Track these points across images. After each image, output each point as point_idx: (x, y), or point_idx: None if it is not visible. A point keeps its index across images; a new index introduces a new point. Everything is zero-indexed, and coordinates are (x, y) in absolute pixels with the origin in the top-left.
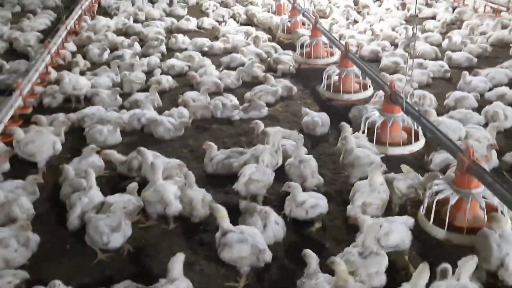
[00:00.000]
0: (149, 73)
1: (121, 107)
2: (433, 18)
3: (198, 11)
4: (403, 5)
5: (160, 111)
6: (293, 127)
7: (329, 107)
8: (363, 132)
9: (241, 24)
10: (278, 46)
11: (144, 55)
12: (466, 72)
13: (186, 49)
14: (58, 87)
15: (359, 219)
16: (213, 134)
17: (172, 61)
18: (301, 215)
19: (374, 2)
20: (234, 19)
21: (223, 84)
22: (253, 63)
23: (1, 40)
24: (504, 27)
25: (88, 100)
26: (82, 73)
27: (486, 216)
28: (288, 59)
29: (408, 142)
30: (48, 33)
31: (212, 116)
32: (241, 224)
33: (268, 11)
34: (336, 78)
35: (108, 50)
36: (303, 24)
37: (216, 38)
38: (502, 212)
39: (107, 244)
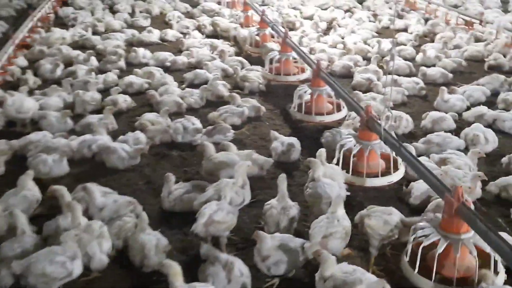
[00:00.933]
0: (106, 91)
1: (72, 131)
2: (405, 30)
3: (161, 22)
4: (375, 16)
5: (115, 135)
6: (261, 152)
7: (300, 129)
8: (338, 161)
9: (207, 36)
10: (245, 61)
11: (101, 71)
12: (444, 89)
13: (147, 64)
14: (0, 110)
15: (322, 255)
16: (172, 162)
17: (130, 78)
18: (264, 270)
19: (345, 12)
20: (200, 31)
21: (185, 103)
22: (216, 80)
23: None
24: (477, 40)
25: (35, 124)
26: (31, 91)
27: (477, 264)
28: (256, 75)
29: (387, 172)
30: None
31: (172, 141)
32: (201, 275)
33: (235, 23)
34: (308, 97)
35: (62, 66)
36: (272, 37)
37: (180, 51)
38: (495, 259)
39: None
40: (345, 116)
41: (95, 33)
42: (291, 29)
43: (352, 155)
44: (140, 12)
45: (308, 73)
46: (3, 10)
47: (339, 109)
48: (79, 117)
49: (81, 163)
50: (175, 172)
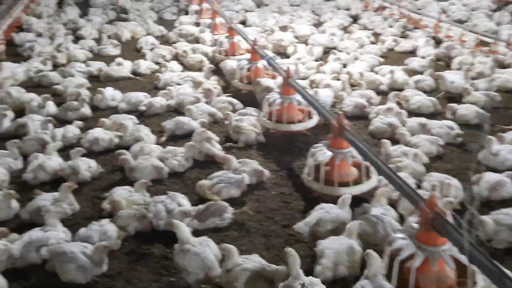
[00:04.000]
0: (64, 150)
1: (17, 222)
2: (412, 52)
3: (133, 50)
4: (375, 36)
5: (75, 227)
6: (272, 243)
7: (317, 200)
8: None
9: (186, 68)
10: (236, 101)
11: (59, 119)
12: (492, 138)
13: (116, 109)
14: None
15: None
16: (152, 265)
17: (96, 132)
18: None
19: (344, 33)
20: (178, 61)
21: (166, 167)
22: (203, 134)
23: None
24: (500, 65)
25: None
26: None
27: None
28: (251, 124)
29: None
30: None
31: (153, 229)
32: None
33: (219, 52)
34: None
35: (11, 115)
36: (266, 69)
37: (156, 88)
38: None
39: None
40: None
41: (55, 65)
42: (281, 53)
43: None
44: (109, 37)
45: (315, 120)
46: None
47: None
48: (26, 199)
49: (28, 275)
50: (158, 280)
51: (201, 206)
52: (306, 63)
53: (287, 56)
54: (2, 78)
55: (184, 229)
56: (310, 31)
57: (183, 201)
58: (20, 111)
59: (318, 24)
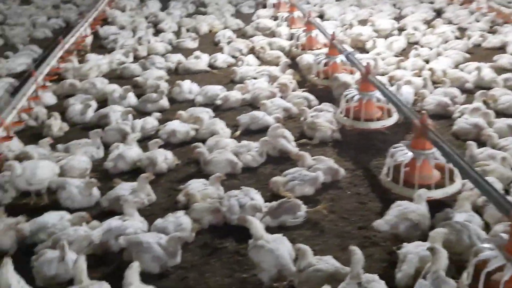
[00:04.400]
0: (143, 141)
1: (98, 209)
2: (501, 48)
3: (210, 43)
4: (461, 31)
5: (151, 218)
6: (348, 242)
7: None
8: None
9: (263, 62)
10: (311, 97)
11: (138, 111)
12: None
13: (193, 102)
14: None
15: None
16: (225, 260)
17: (173, 124)
18: None
19: (427, 28)
20: (255, 55)
21: (240, 162)
22: (278, 129)
23: None
24: None
25: (55, 193)
26: (55, 143)
27: None
28: (328, 120)
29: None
30: (27, 78)
31: (226, 224)
32: None
33: (296, 47)
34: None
35: (94, 105)
36: (343, 64)
37: (232, 82)
38: None
39: None
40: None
41: (136, 58)
42: (359, 48)
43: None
44: (187, 30)
45: (395, 117)
46: (39, 31)
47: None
48: (106, 188)
49: (104, 263)
50: (230, 277)
51: (274, 203)
52: (386, 58)
53: (366, 51)
54: (87, 69)
55: (257, 225)
56: (391, 25)
57: (257, 197)
58: (103, 101)
59: (399, 18)
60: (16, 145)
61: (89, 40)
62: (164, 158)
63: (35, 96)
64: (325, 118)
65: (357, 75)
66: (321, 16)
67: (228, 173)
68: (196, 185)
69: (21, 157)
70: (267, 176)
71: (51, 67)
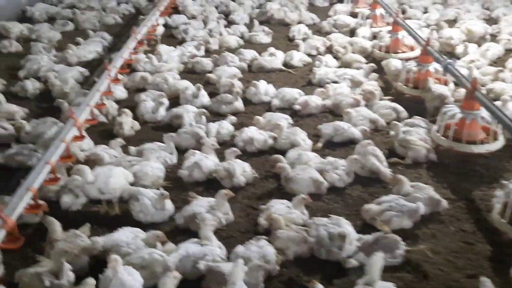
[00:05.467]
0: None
1: (171, 225)
2: None
3: (283, 38)
4: None
5: (229, 241)
6: None
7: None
8: None
9: (342, 65)
10: (400, 108)
11: (212, 111)
12: None
13: (269, 105)
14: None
15: None
16: None
17: (250, 131)
18: None
19: None
20: (332, 53)
21: (326, 182)
22: (367, 148)
23: (34, 80)
24: None
25: (127, 203)
26: (126, 142)
27: None
28: (421, 137)
29: None
30: (96, 66)
31: (312, 255)
32: None
33: (379, 48)
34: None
35: (166, 103)
36: (437, 72)
37: (309, 83)
38: None
39: None
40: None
41: (207, 51)
42: (447, 54)
43: None
44: (260, 24)
45: (502, 141)
46: (109, 17)
47: None
48: (180, 201)
49: None
50: None
51: (368, 237)
52: (481, 67)
53: (456, 57)
54: (158, 63)
55: (376, 266)
56: (483, 29)
57: (348, 228)
58: (174, 98)
59: (488, 20)
60: (87, 144)
61: (160, 29)
62: (242, 170)
63: (108, 91)
64: (418, 135)
65: (451, 85)
66: (402, 13)
67: (312, 193)
68: (279, 207)
69: (92, 159)
70: (355, 199)
71: (124, 59)
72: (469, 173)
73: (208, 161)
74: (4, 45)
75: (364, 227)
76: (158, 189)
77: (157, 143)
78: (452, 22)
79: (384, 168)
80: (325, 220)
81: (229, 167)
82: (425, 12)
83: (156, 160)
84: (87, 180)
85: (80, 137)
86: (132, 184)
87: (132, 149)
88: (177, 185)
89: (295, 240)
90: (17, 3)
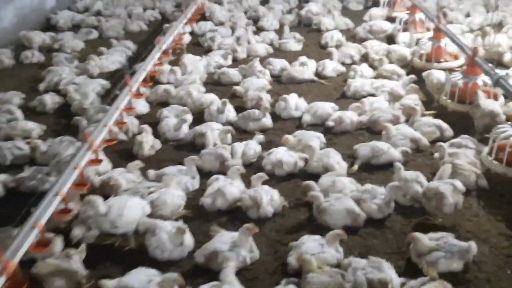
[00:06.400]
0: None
1: (190, 263)
2: None
3: (315, 44)
4: None
5: (254, 283)
6: None
7: None
8: None
9: (378, 75)
10: (445, 125)
11: (239, 128)
12: None
13: (299, 121)
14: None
15: None
16: None
17: (279, 153)
18: None
19: None
20: (367, 62)
21: (363, 214)
22: (414, 176)
23: (54, 94)
24: None
25: (143, 236)
26: (146, 163)
27: None
28: (470, 161)
29: None
30: (119, 78)
31: None
32: None
33: (420, 57)
34: None
35: (190, 119)
36: (485, 85)
37: (343, 96)
38: None
39: None
40: None
41: (235, 59)
42: (493, 62)
43: None
44: (291, 29)
45: None
46: (134, 24)
47: None
48: (201, 236)
49: None
50: None
51: (413, 283)
52: None
53: (505, 66)
54: (184, 75)
55: None
56: None
57: (390, 273)
58: (199, 113)
59: None
60: (105, 166)
61: (187, 38)
62: (270, 199)
63: (128, 107)
64: (467, 159)
65: (502, 100)
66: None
67: (347, 225)
68: (311, 246)
69: (108, 184)
70: (397, 234)
71: (147, 72)
72: None
73: (232, 188)
74: (26, 55)
75: (408, 268)
76: (177, 219)
77: (178, 166)
78: (497, 27)
79: None
80: (364, 262)
81: (255, 196)
82: (468, 15)
83: (176, 186)
84: (99, 212)
85: (97, 161)
86: (149, 215)
87: (151, 173)
88: (199, 215)
89: (329, 286)
90: (41, 11)
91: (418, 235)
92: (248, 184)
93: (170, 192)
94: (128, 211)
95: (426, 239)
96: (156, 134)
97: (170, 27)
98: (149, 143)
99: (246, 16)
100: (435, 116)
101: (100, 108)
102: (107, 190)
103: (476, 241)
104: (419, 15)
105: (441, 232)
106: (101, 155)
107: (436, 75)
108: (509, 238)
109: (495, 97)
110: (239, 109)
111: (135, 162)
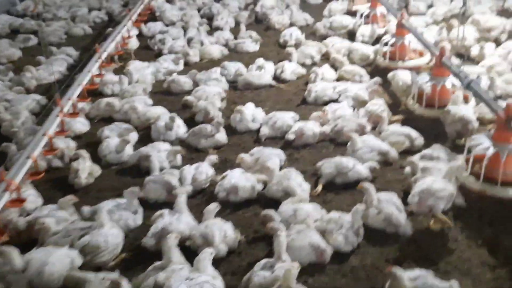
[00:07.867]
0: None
1: None
2: None
3: (274, 44)
4: None
5: None
6: None
7: None
8: None
9: (341, 77)
10: (415, 134)
11: (190, 146)
12: None
13: (257, 135)
14: None
15: None
16: None
17: (233, 176)
18: None
19: None
20: (329, 62)
21: (329, 248)
22: (393, 203)
23: None
24: None
25: None
26: (82, 194)
27: None
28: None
29: None
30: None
31: None
32: None
33: (383, 55)
34: None
35: (134, 139)
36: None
37: (304, 102)
38: None
39: None
40: None
41: (187, 64)
42: (459, 56)
43: None
44: (247, 29)
45: None
46: (77, 27)
47: None
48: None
49: None
50: None
51: None
52: (504, 74)
53: (472, 61)
54: (129, 85)
55: None
56: (500, 23)
57: None
58: (146, 128)
59: (503, 12)
60: (33, 202)
61: (133, 42)
62: (224, 235)
63: (60, 130)
64: (440, 174)
65: (473, 102)
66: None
67: (312, 262)
68: None
69: (33, 226)
70: (368, 269)
71: (83, 87)
72: (506, 223)
73: (180, 225)
74: None
75: None
76: (115, 266)
77: (117, 200)
78: (461, 17)
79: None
80: None
81: (205, 232)
82: (430, 6)
83: (113, 225)
84: (14, 267)
85: (18, 202)
86: (81, 265)
87: (85, 210)
88: (142, 258)
89: None
90: None
91: (398, 272)
92: (199, 217)
93: (103, 233)
94: (51, 267)
95: (405, 280)
96: (97, 156)
97: (113, 31)
98: (86, 170)
99: (200, 14)
100: (403, 121)
101: (32, 130)
102: (33, 233)
103: (457, 274)
104: (381, 9)
105: (419, 270)
106: (28, 190)
107: (402, 76)
108: (492, 269)
109: (465, 99)
110: (191, 121)
111: (68, 197)
